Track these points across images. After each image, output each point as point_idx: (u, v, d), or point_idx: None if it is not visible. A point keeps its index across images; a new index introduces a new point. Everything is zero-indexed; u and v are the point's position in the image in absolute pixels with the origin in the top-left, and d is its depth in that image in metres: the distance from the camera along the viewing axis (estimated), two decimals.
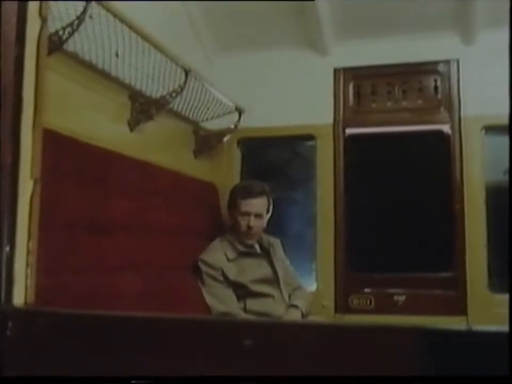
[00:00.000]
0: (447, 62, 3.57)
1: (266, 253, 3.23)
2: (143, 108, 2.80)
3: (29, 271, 1.07)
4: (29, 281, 1.07)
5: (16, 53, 1.05)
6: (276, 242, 3.31)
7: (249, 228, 3.11)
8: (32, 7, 1.09)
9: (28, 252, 1.07)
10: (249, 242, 3.16)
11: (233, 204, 3.20)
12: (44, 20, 1.11)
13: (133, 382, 1.00)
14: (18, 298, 1.06)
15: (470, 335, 0.94)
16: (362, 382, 0.89)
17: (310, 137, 3.74)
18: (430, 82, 3.60)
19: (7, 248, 1.04)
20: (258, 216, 3.14)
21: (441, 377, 0.87)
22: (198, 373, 0.95)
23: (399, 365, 0.91)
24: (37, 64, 1.11)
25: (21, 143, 1.07)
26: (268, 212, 3.22)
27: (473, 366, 0.87)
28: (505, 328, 0.85)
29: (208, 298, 2.93)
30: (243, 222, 3.12)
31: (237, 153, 3.83)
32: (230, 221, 3.24)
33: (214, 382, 0.94)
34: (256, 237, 3.19)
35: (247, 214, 3.12)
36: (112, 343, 1.02)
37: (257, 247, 3.24)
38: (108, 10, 2.21)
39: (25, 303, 1.07)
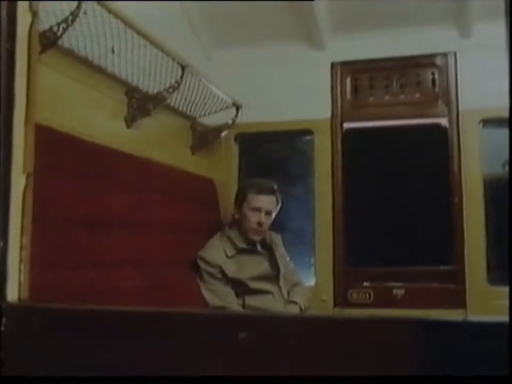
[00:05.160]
0: (444, 55, 3.56)
1: (267, 250, 3.23)
2: (140, 103, 2.79)
3: (22, 267, 1.07)
4: (22, 277, 1.06)
5: (7, 48, 1.04)
6: (277, 238, 3.31)
7: (259, 224, 3.09)
8: (22, 2, 1.08)
9: (21, 247, 1.07)
10: (256, 239, 3.14)
11: (242, 198, 3.18)
12: (34, 14, 1.10)
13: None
14: (12, 294, 1.05)
15: (468, 326, 0.94)
16: (362, 382, 0.89)
17: (308, 132, 3.73)
18: (427, 75, 3.59)
19: (0, 243, 1.03)
20: (268, 213, 3.14)
21: (441, 377, 0.86)
22: (193, 367, 0.95)
23: (396, 357, 0.90)
24: (29, 59, 1.10)
25: (13, 137, 1.06)
26: (275, 211, 3.21)
27: (471, 358, 0.87)
28: (504, 319, 0.85)
29: (207, 295, 2.93)
30: (253, 218, 3.10)
31: (234, 149, 3.82)
32: (237, 217, 3.20)
33: (214, 382, 0.94)
34: (263, 235, 3.19)
35: (258, 210, 3.11)
36: (107, 338, 1.01)
37: (258, 243, 3.23)
38: (103, 6, 2.20)
39: (19, 298, 1.06)
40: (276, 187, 3.20)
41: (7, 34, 1.04)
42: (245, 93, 3.44)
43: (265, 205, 3.13)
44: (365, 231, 3.64)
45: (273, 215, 3.19)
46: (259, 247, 3.21)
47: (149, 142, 2.93)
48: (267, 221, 3.14)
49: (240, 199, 3.19)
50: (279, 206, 3.22)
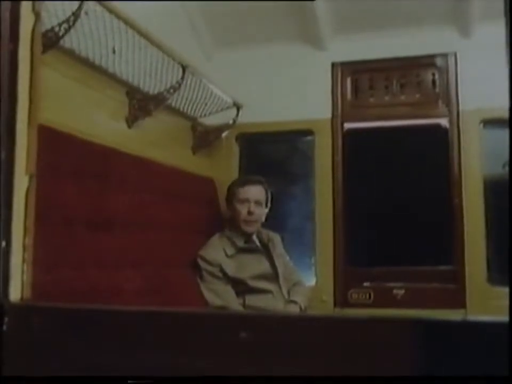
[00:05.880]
0: (444, 55, 3.56)
1: (265, 249, 3.23)
2: (141, 104, 2.80)
3: (25, 267, 1.07)
4: (25, 277, 1.07)
5: (10, 49, 1.05)
6: (275, 238, 3.31)
7: (249, 213, 3.11)
8: (25, 3, 1.09)
9: (24, 248, 1.08)
10: (249, 231, 3.15)
11: (231, 195, 3.21)
12: (37, 15, 1.10)
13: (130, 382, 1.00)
14: (15, 293, 1.06)
15: (467, 326, 0.94)
16: (362, 382, 0.89)
17: (308, 132, 3.73)
18: (428, 76, 3.59)
19: (3, 244, 1.04)
20: (258, 203, 3.15)
21: (441, 377, 0.87)
22: (194, 366, 0.95)
23: (396, 356, 0.91)
24: (32, 60, 1.11)
25: (16, 138, 1.07)
26: (266, 203, 3.22)
27: (471, 357, 0.87)
28: (504, 319, 0.85)
29: (207, 294, 2.94)
30: (243, 210, 3.12)
31: (235, 149, 3.82)
32: (229, 214, 3.24)
33: (214, 382, 0.94)
34: (256, 226, 3.19)
35: (247, 200, 3.14)
36: (108, 337, 1.02)
37: (256, 241, 3.23)
38: (104, 6, 2.20)
39: (22, 298, 1.07)
40: (262, 179, 3.23)
41: (10, 35, 1.05)
42: (245, 93, 3.44)
43: (253, 195, 3.16)
44: (365, 231, 3.65)
45: (265, 206, 3.21)
46: (258, 244, 3.22)
47: (150, 142, 2.94)
48: (257, 211, 3.15)
49: (230, 196, 3.22)
50: (269, 197, 3.24)
